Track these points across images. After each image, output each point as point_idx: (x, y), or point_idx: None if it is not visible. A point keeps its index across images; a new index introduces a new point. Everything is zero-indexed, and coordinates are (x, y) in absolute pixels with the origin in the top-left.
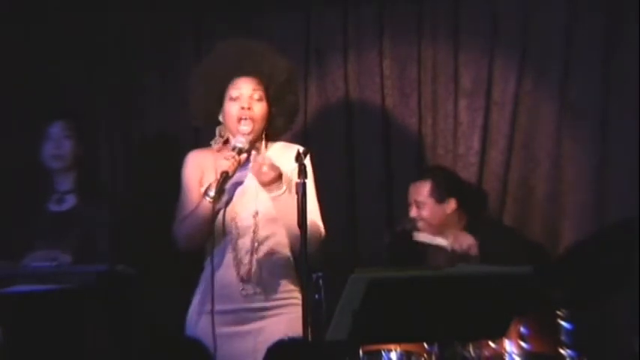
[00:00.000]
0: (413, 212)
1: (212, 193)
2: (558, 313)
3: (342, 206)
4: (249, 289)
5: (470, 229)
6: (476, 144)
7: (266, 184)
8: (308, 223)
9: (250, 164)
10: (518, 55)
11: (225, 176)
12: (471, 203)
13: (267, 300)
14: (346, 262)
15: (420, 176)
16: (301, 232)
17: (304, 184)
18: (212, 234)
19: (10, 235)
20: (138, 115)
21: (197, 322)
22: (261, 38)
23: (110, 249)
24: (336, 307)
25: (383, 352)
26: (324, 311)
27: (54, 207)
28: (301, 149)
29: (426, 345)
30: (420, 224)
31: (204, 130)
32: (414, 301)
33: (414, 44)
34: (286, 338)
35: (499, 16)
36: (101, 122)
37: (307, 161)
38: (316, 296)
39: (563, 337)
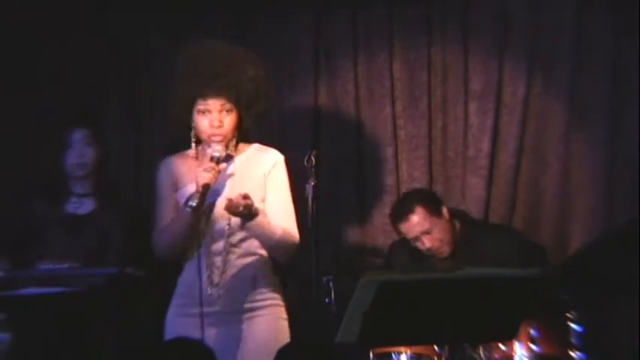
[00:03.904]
0: (426, 243)
1: (193, 203)
2: (568, 315)
3: (352, 209)
4: (218, 292)
5: (462, 233)
6: (486, 146)
7: (242, 217)
8: (281, 230)
9: (226, 179)
10: (528, 57)
11: (207, 188)
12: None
13: (239, 303)
14: (356, 264)
15: (404, 213)
16: (312, 235)
17: (315, 187)
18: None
19: (22, 240)
20: (146, 117)
21: (175, 324)
22: (271, 39)
23: (124, 252)
24: (346, 309)
25: (393, 355)
26: (335, 314)
27: (71, 210)
28: (275, 153)
29: (436, 347)
30: (437, 250)
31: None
32: (424, 303)
33: (423, 47)
34: (296, 340)
35: (508, 18)
36: (111, 127)
37: (283, 166)
38: (326, 300)
39: (573, 340)
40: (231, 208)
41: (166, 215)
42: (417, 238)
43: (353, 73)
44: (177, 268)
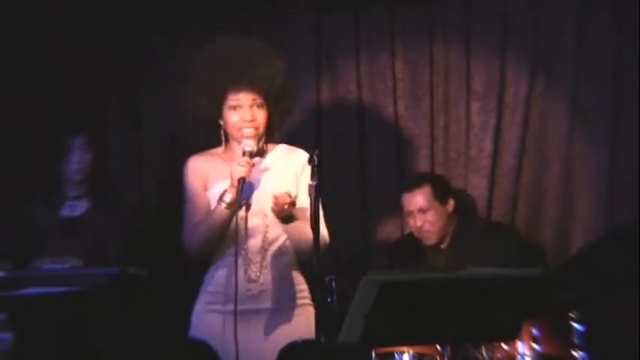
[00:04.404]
0: (418, 222)
1: (227, 199)
2: (570, 314)
3: (354, 208)
4: (257, 289)
5: (461, 228)
6: (488, 146)
7: (283, 218)
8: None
9: (260, 173)
10: (530, 57)
11: (242, 182)
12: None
13: (276, 300)
14: (358, 264)
15: (411, 185)
16: (314, 234)
17: (317, 186)
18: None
19: (22, 241)
20: (149, 118)
21: (205, 320)
22: (273, 39)
23: (121, 252)
24: (349, 309)
25: (395, 355)
26: (337, 314)
27: (67, 213)
28: (304, 153)
29: (438, 347)
30: (425, 233)
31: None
32: (426, 303)
33: (425, 47)
34: (299, 340)
35: (510, 18)
36: (111, 127)
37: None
38: (328, 299)
39: (575, 339)
40: (277, 206)
41: (197, 214)
42: (411, 213)
43: (355, 73)
44: (179, 268)
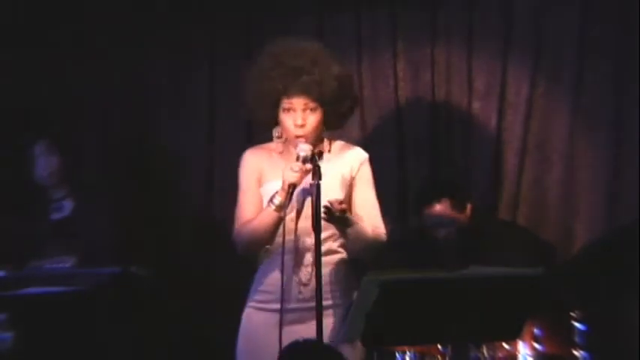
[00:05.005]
0: (441, 233)
1: (277, 201)
2: (572, 314)
3: None
4: (309, 293)
5: (474, 225)
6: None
7: (339, 225)
8: (372, 231)
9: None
10: (532, 57)
11: (293, 188)
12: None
13: (326, 299)
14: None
15: (430, 199)
16: (315, 234)
17: (318, 186)
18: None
19: (17, 246)
20: (150, 118)
21: (258, 318)
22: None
23: (113, 248)
24: (349, 309)
25: (397, 354)
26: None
27: (55, 215)
28: (361, 151)
29: (439, 346)
30: (447, 240)
31: (218, 138)
32: (427, 303)
33: (427, 47)
34: (300, 340)
35: (512, 19)
36: (111, 126)
37: (368, 164)
38: None
39: (576, 339)
40: (330, 214)
41: (249, 208)
42: (433, 225)
43: (357, 74)
44: (179, 268)
